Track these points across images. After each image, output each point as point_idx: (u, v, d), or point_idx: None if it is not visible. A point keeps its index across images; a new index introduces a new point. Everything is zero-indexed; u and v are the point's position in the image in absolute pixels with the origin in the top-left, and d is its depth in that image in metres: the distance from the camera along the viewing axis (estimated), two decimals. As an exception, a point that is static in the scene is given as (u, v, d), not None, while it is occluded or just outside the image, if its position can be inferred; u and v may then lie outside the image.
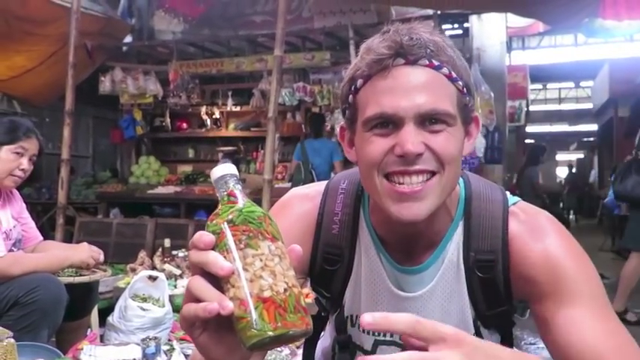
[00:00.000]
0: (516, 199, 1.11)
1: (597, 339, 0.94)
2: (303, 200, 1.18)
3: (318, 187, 1.20)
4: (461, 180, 1.11)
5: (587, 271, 1.01)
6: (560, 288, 0.99)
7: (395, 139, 0.96)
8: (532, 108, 11.66)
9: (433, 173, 0.97)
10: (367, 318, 0.69)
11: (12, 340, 1.84)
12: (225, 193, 0.77)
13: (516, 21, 7.87)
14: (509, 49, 9.33)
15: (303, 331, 0.71)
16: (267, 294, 0.69)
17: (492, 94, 6.01)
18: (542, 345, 1.06)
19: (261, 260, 0.71)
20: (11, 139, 2.60)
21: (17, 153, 2.60)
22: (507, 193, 1.12)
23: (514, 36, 10.04)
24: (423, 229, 1.05)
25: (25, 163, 2.63)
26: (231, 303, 0.69)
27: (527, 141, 13.41)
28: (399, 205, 0.97)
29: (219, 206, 0.76)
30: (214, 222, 0.74)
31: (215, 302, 0.69)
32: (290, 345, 2.76)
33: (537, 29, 9.07)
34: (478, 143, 6.02)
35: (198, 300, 0.72)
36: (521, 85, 9.69)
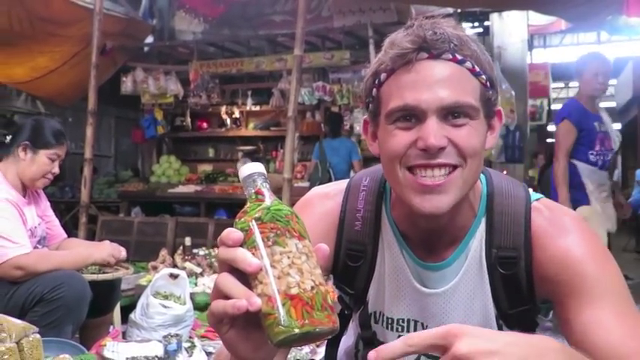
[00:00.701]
0: (539, 195, 1.10)
1: (622, 340, 0.93)
2: (324, 199, 1.19)
3: (339, 185, 1.21)
4: (482, 176, 1.11)
5: (610, 271, 1.00)
6: (582, 288, 0.98)
7: (417, 132, 0.97)
8: (554, 107, 11.50)
9: (455, 167, 0.97)
10: (372, 354, 0.71)
11: (38, 336, 1.87)
12: (253, 191, 0.78)
13: (538, 19, 7.78)
14: (531, 47, 9.23)
15: (330, 328, 0.71)
16: (294, 291, 0.70)
17: (513, 93, 5.96)
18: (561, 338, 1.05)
19: (288, 258, 0.71)
20: (48, 145, 2.68)
21: (51, 159, 2.69)
22: (530, 190, 1.11)
23: (535, 34, 9.93)
24: (446, 225, 1.05)
25: (56, 167, 2.73)
26: (259, 299, 0.70)
27: (549, 140, 13.24)
28: (421, 198, 0.97)
29: (247, 204, 0.77)
30: (242, 219, 0.75)
31: (243, 299, 0.70)
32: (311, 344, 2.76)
33: (559, 27, 8.96)
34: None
35: (226, 296, 0.72)
36: (543, 83, 9.57)
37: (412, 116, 0.97)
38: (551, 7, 5.66)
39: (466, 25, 6.88)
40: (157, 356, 2.46)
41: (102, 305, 2.76)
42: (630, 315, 0.96)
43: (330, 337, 0.74)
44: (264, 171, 0.80)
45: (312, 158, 6.45)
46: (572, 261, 1.00)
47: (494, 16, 6.77)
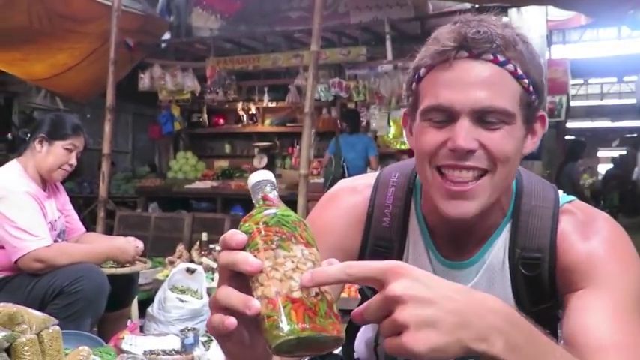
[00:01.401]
0: (572, 197, 1.08)
1: (609, 331, 0.90)
2: (351, 193, 1.17)
3: (367, 180, 1.19)
4: None
5: (630, 273, 0.97)
6: (592, 278, 0.97)
7: (449, 132, 0.94)
8: (573, 103, 11.36)
9: (485, 172, 0.95)
10: (306, 276, 0.66)
11: (57, 328, 1.89)
12: (260, 196, 0.76)
13: (557, 14, 7.68)
14: (550, 43, 9.11)
15: (333, 337, 0.66)
16: (296, 295, 0.66)
17: (532, 89, 5.89)
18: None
19: (292, 262, 0.68)
20: (64, 136, 2.71)
21: (68, 149, 2.71)
22: (560, 192, 1.09)
23: (554, 29, 9.80)
24: (475, 225, 1.04)
25: (73, 158, 2.75)
26: (257, 302, 0.66)
27: (568, 137, 13.11)
28: (448, 203, 0.96)
29: (254, 210, 0.75)
30: (247, 223, 0.72)
31: (241, 307, 0.66)
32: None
33: (579, 22, 8.83)
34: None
35: (224, 308, 0.68)
36: (562, 80, 9.43)
37: (445, 115, 0.95)
38: (571, 2, 5.59)
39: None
40: (174, 350, 2.48)
41: (120, 299, 2.79)
42: (629, 315, 0.93)
43: (333, 349, 0.69)
44: (274, 179, 0.78)
45: (327, 152, 6.45)
46: (592, 259, 0.99)
47: (512, 12, 6.69)
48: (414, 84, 1.01)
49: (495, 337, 0.64)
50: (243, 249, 0.69)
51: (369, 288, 1.18)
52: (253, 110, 8.28)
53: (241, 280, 0.69)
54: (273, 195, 0.76)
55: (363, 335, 1.28)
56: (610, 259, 0.98)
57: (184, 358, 2.40)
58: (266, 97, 7.96)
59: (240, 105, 8.17)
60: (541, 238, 1.03)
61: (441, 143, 0.95)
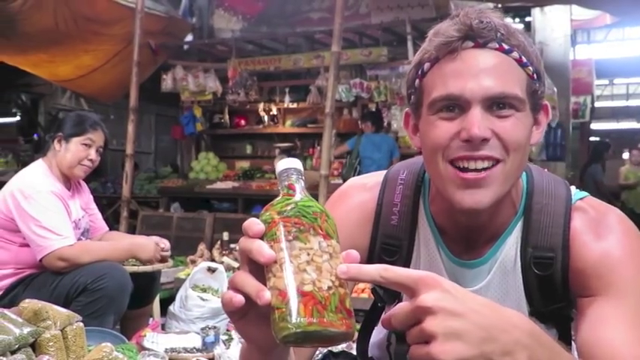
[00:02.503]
0: (584, 194, 1.07)
1: (626, 343, 0.88)
2: (360, 190, 1.17)
3: (376, 177, 1.19)
4: (524, 173, 1.08)
5: None
6: (608, 284, 0.95)
7: (461, 123, 0.94)
8: (598, 104, 11.19)
9: (498, 161, 0.94)
10: (342, 268, 0.68)
11: (81, 324, 1.92)
12: (286, 184, 0.75)
13: (581, 13, 7.57)
14: (574, 42, 9.00)
15: (341, 332, 0.66)
16: (307, 288, 0.66)
17: (555, 90, 5.82)
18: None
19: (308, 254, 0.68)
20: (80, 132, 2.74)
21: (85, 144, 2.73)
22: (573, 188, 1.08)
23: (579, 29, 9.66)
24: (487, 221, 1.03)
25: (92, 153, 2.76)
26: (268, 293, 0.67)
27: (592, 138, 12.91)
28: (462, 192, 0.95)
29: (278, 198, 0.75)
30: (268, 212, 0.73)
31: (254, 293, 0.68)
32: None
33: (604, 22, 8.70)
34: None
35: (239, 291, 0.70)
36: (586, 80, 9.31)
37: (456, 106, 0.94)
38: (596, 1, 5.51)
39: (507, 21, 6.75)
40: (195, 348, 2.50)
41: (142, 297, 2.82)
42: None
43: (343, 343, 0.69)
44: (301, 167, 0.77)
45: (346, 144, 6.47)
46: (607, 259, 0.97)
47: (535, 11, 6.62)
48: (418, 80, 1.00)
49: (519, 353, 0.65)
50: (262, 238, 0.70)
51: (382, 289, 1.18)
52: (274, 111, 8.31)
53: (260, 265, 0.70)
54: (299, 184, 0.75)
55: (375, 337, 1.28)
56: (626, 262, 0.97)
57: (205, 356, 2.42)
58: (287, 98, 7.98)
59: (261, 106, 8.20)
60: (554, 236, 1.02)
61: (454, 135, 0.94)
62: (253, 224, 0.71)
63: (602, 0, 5.24)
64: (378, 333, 1.28)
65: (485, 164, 0.94)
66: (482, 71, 0.93)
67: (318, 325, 0.65)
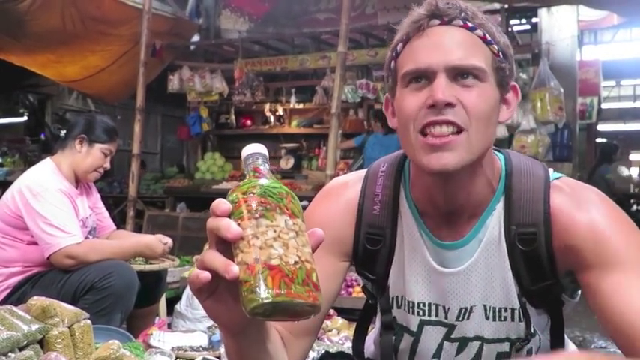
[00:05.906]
0: (560, 174, 1.12)
1: None
2: (344, 188, 1.21)
3: (358, 174, 1.24)
4: (502, 156, 1.14)
5: (634, 239, 1.00)
6: (605, 255, 0.99)
7: (428, 92, 1.01)
8: (604, 106, 11.14)
9: (461, 130, 0.99)
10: None
11: (88, 321, 1.93)
12: (252, 168, 0.78)
13: (588, 14, 7.54)
14: (581, 43, 8.96)
15: (308, 304, 0.69)
16: (275, 262, 0.68)
17: (562, 90, 5.80)
18: (613, 348, 1.03)
19: (274, 231, 0.70)
20: (106, 140, 2.79)
21: (105, 153, 2.79)
22: (551, 170, 1.13)
23: (586, 30, 9.64)
24: (464, 201, 1.08)
25: (108, 162, 2.84)
26: (236, 267, 0.69)
27: (599, 140, 12.86)
28: (429, 156, 1.00)
29: (243, 180, 0.77)
30: (235, 193, 0.75)
31: (221, 269, 0.70)
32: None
33: (611, 22, 8.67)
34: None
35: (208, 270, 0.73)
36: (593, 81, 9.28)
37: (423, 77, 1.02)
38: (603, 2, 5.49)
39: (513, 22, 6.73)
40: (201, 346, 2.51)
41: (149, 295, 2.84)
42: None
43: (311, 315, 0.72)
44: (266, 153, 0.81)
45: (353, 141, 6.46)
46: (595, 230, 1.01)
47: (542, 12, 6.59)
48: (393, 62, 1.08)
49: None
50: (229, 217, 0.73)
51: (373, 287, 1.21)
52: (280, 112, 8.31)
53: (227, 244, 0.73)
54: (264, 168, 0.78)
55: (373, 335, 1.29)
56: (615, 229, 1.01)
57: (211, 354, 2.42)
58: (293, 99, 7.98)
59: (267, 106, 8.21)
60: (534, 213, 1.06)
61: (422, 104, 1.01)
62: (220, 204, 0.74)
63: (610, 0, 5.22)
64: (375, 334, 1.30)
65: (450, 129, 0.99)
66: (447, 45, 1.01)
67: (285, 296, 0.67)
